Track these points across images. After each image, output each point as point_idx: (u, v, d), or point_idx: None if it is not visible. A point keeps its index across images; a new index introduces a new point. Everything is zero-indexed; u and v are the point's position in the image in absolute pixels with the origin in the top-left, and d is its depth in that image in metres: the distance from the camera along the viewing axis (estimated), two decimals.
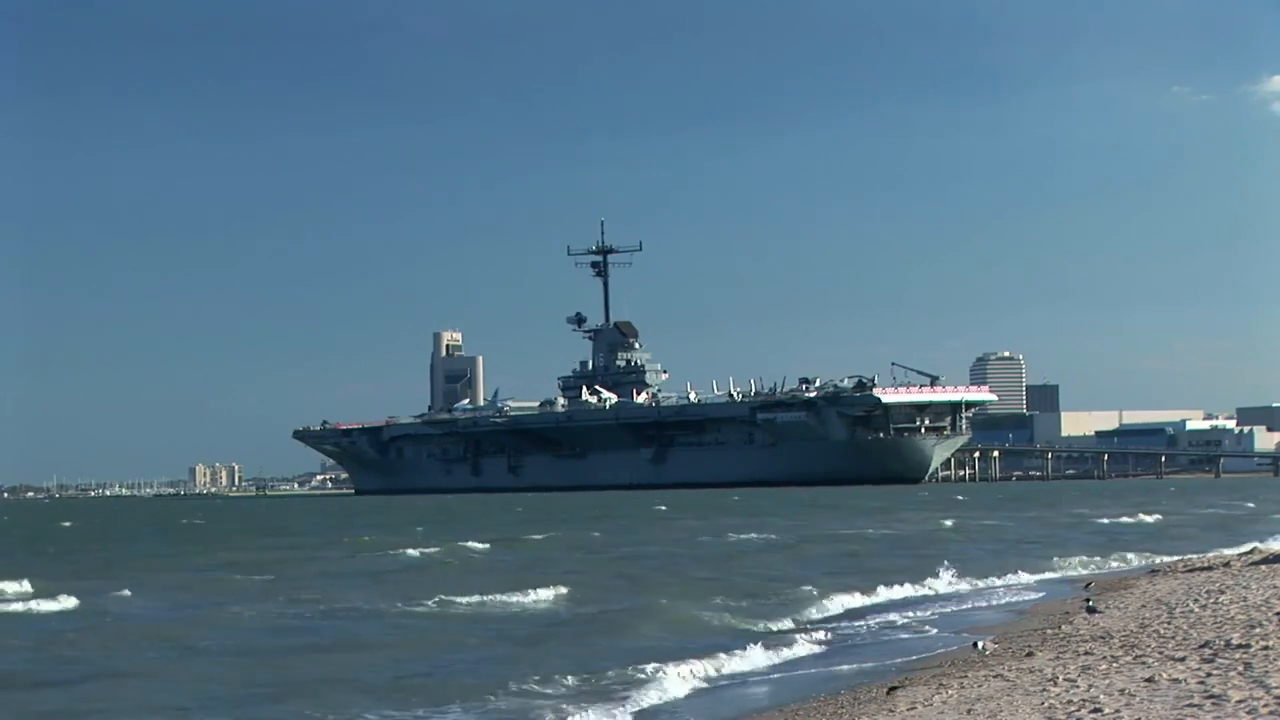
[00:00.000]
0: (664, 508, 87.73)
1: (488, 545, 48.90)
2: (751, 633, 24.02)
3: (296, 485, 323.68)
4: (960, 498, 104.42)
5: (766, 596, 29.78)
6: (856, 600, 28.82)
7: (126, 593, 32.00)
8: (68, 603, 29.85)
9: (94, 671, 20.57)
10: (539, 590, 30.31)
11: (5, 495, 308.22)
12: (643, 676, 19.05)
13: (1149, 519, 63.03)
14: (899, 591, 30.40)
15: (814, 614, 27.04)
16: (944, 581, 32.13)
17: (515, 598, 29.66)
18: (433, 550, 46.46)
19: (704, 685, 18.99)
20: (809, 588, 30.57)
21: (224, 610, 28.43)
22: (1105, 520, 63.03)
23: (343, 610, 28.20)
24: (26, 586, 33.25)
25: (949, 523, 60.54)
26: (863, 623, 25.45)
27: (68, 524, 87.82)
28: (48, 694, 18.79)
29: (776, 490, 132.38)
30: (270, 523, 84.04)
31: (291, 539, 60.42)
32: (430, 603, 29.03)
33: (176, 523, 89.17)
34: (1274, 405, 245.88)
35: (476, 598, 29.60)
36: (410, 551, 46.07)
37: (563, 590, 30.59)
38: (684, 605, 27.69)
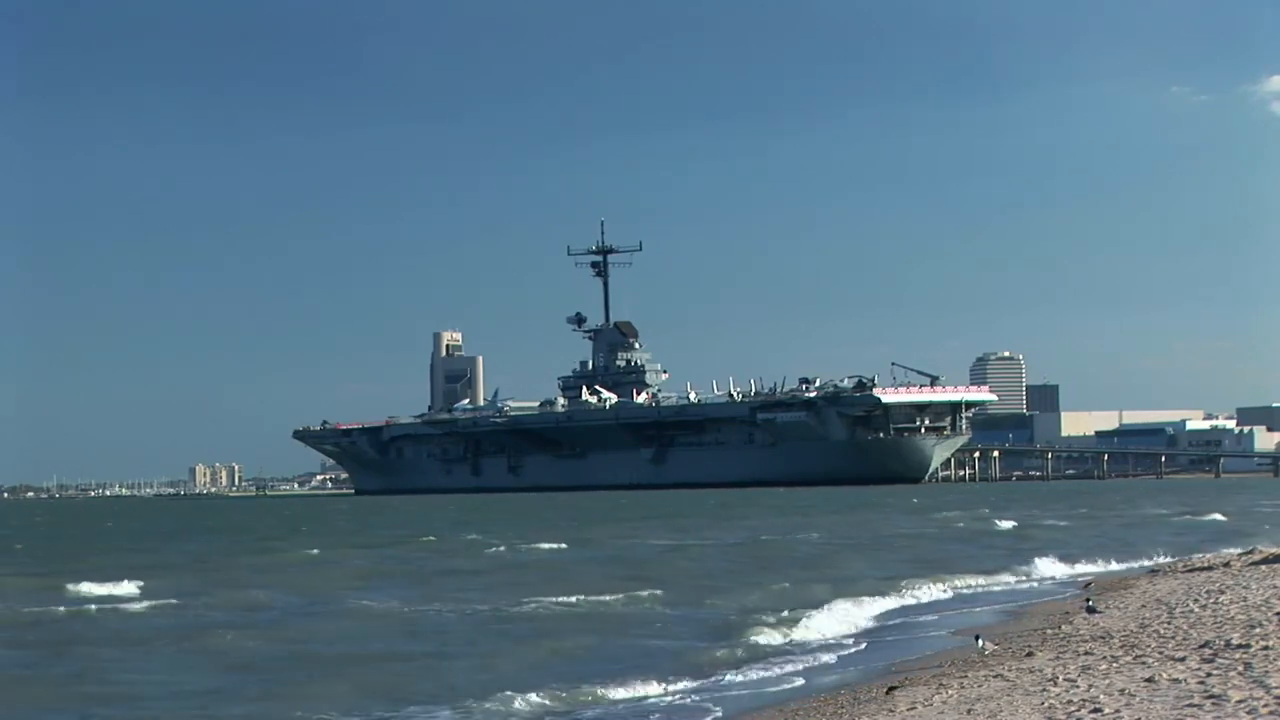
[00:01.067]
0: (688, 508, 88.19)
1: (564, 545, 49.71)
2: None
3: (296, 485, 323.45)
4: (964, 496, 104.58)
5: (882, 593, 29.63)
6: None
7: (260, 593, 32.28)
8: (223, 601, 30.77)
9: (387, 651, 22.36)
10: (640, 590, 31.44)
11: (5, 495, 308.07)
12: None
13: (1220, 517, 62.24)
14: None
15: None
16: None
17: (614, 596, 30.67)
18: (525, 548, 48.03)
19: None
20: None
21: (355, 603, 29.49)
22: (1177, 518, 63.57)
23: (484, 608, 28.69)
24: (132, 589, 33.55)
25: (1007, 524, 57.98)
26: None
27: (109, 524, 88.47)
28: (404, 666, 20.93)
29: (779, 490, 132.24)
30: (303, 520, 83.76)
31: (339, 535, 61.53)
32: (567, 599, 29.66)
33: (208, 521, 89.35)
34: (1274, 405, 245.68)
35: (621, 595, 30.66)
36: (498, 548, 47.59)
37: (657, 592, 31.22)
38: (803, 592, 29.92)
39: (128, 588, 33.20)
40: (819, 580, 32.70)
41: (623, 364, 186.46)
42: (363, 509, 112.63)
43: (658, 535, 56.44)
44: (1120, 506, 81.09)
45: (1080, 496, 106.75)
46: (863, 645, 22.82)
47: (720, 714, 16.96)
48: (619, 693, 18.26)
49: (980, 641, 19.64)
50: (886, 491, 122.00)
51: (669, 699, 18.01)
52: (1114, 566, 36.57)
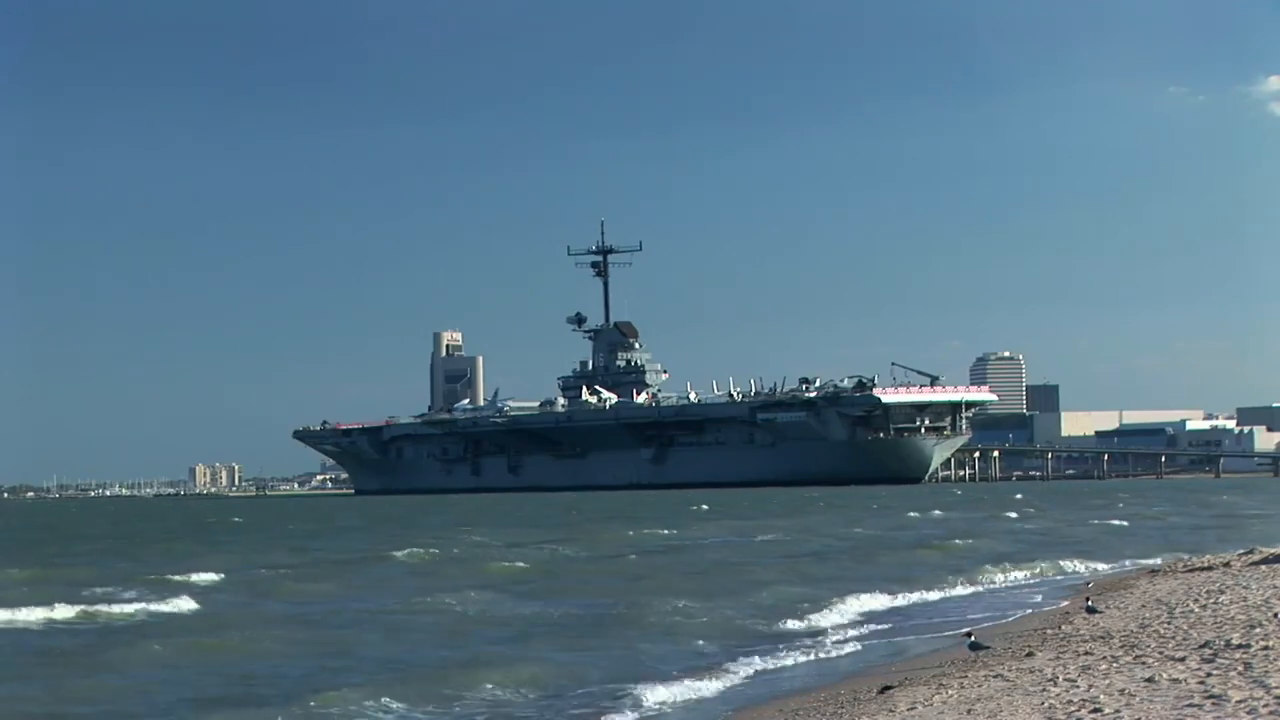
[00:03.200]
0: (706, 507, 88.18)
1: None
2: None
3: (296, 485, 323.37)
4: (1019, 496, 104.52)
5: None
6: None
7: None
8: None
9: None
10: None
11: (5, 495, 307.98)
12: None
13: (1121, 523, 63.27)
14: None
15: None
16: None
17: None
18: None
19: None
20: None
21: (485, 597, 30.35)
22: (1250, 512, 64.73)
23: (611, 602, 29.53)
24: (214, 576, 34.90)
25: (1122, 521, 60.68)
26: None
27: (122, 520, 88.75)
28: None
29: (781, 490, 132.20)
30: (342, 521, 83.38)
31: (402, 531, 62.03)
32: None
33: (230, 521, 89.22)
34: (1274, 405, 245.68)
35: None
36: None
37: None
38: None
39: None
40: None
41: (623, 364, 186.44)
42: (399, 507, 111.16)
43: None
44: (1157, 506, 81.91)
45: (1080, 496, 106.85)
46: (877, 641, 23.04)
47: (721, 713, 16.96)
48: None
49: (971, 636, 19.63)
50: (888, 491, 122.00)
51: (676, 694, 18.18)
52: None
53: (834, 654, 21.86)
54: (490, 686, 18.74)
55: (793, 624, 25.60)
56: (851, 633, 24.39)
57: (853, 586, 31.45)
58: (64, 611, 27.85)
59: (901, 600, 29.64)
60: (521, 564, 40.41)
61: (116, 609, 28.88)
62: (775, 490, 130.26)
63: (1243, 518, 64.06)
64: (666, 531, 57.81)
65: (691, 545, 50.25)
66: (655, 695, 17.87)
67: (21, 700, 18.27)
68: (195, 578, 36.04)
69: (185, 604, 29.63)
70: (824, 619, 26.20)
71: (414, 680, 19.01)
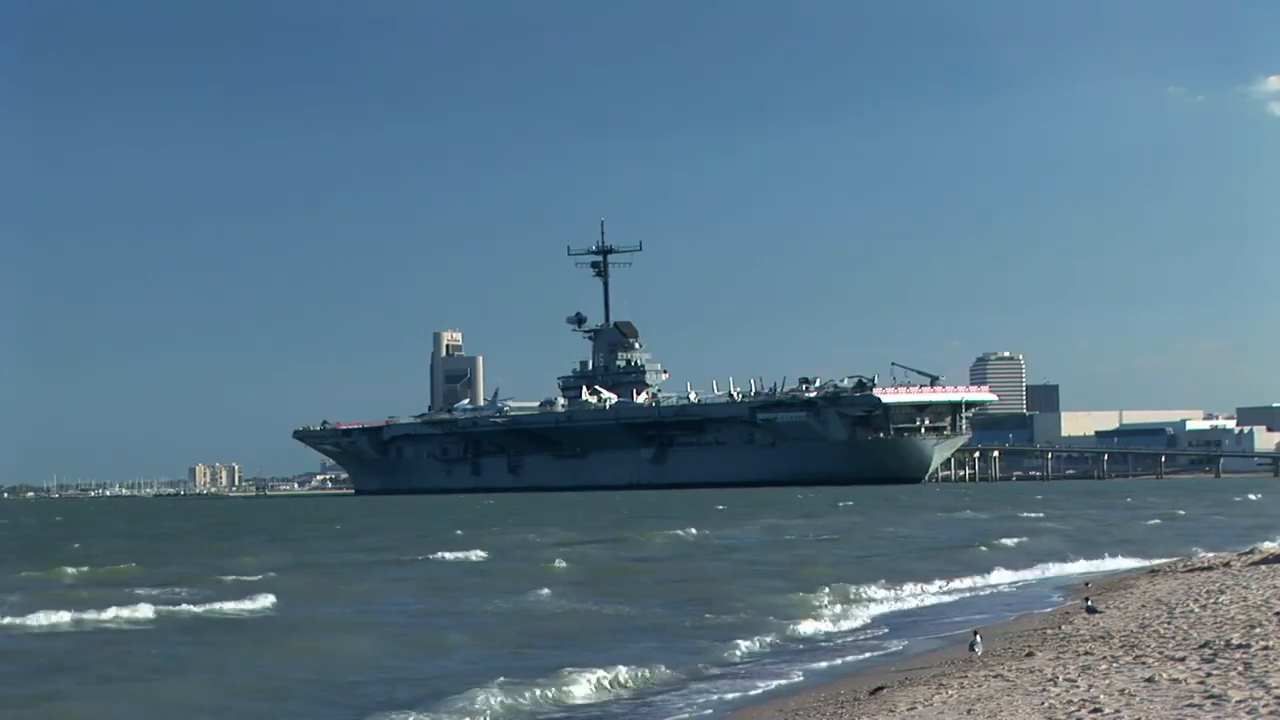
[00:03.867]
0: (723, 507, 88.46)
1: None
2: None
3: (296, 485, 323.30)
4: (1038, 497, 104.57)
5: None
6: None
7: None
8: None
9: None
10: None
11: (5, 495, 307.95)
12: None
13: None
14: None
15: None
16: None
17: None
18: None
19: None
20: None
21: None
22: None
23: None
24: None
25: (1157, 520, 62.36)
26: None
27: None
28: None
29: (783, 490, 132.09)
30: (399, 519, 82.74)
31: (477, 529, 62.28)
32: None
33: (270, 521, 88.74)
34: (1274, 405, 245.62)
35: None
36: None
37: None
38: None
39: None
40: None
41: (623, 364, 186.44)
42: (425, 507, 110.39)
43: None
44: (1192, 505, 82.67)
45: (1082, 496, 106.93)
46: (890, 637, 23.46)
47: (723, 712, 16.96)
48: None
49: (976, 636, 19.66)
50: (890, 491, 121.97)
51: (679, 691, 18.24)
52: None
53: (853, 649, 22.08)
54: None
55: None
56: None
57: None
58: (144, 611, 27.76)
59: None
60: (564, 564, 40.26)
61: (201, 608, 28.73)
62: (777, 491, 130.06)
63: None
64: (707, 531, 58.20)
65: (754, 544, 50.55)
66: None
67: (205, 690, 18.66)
68: (258, 577, 36.28)
69: (265, 600, 29.80)
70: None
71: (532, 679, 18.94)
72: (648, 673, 19.55)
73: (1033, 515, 69.31)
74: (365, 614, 28.11)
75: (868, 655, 21.42)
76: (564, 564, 39.83)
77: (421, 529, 67.29)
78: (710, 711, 17.11)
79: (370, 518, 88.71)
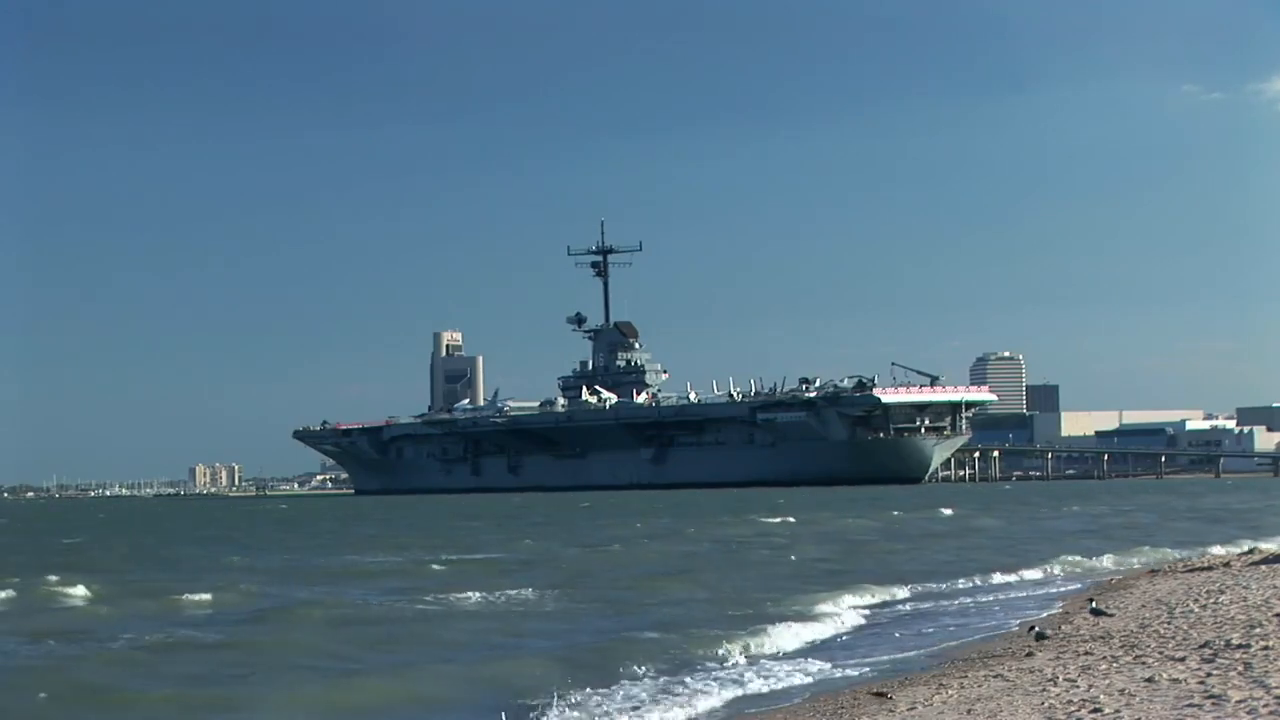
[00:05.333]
0: (783, 501, 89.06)
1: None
2: None
3: (296, 485, 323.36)
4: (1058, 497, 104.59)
5: None
6: None
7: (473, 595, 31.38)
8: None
9: None
10: None
11: (5, 495, 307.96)
12: None
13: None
14: None
15: None
16: None
17: None
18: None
19: None
20: None
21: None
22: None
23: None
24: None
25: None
26: None
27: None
28: None
29: (782, 490, 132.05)
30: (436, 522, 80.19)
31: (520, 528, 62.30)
32: None
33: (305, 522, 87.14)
34: (1274, 405, 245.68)
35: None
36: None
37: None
38: None
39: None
40: None
41: (623, 364, 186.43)
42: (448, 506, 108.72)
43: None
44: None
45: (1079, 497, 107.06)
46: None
47: (728, 710, 16.96)
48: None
49: (1034, 630, 20.10)
50: (890, 491, 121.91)
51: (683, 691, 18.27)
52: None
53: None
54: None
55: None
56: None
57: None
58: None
59: None
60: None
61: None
62: (780, 491, 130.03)
63: None
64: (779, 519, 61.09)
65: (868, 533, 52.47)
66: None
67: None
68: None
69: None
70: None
71: None
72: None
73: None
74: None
75: None
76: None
77: (518, 526, 65.97)
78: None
79: (466, 516, 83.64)
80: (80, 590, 30.43)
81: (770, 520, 64.07)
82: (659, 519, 70.34)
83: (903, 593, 29.76)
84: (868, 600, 28.37)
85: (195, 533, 69.10)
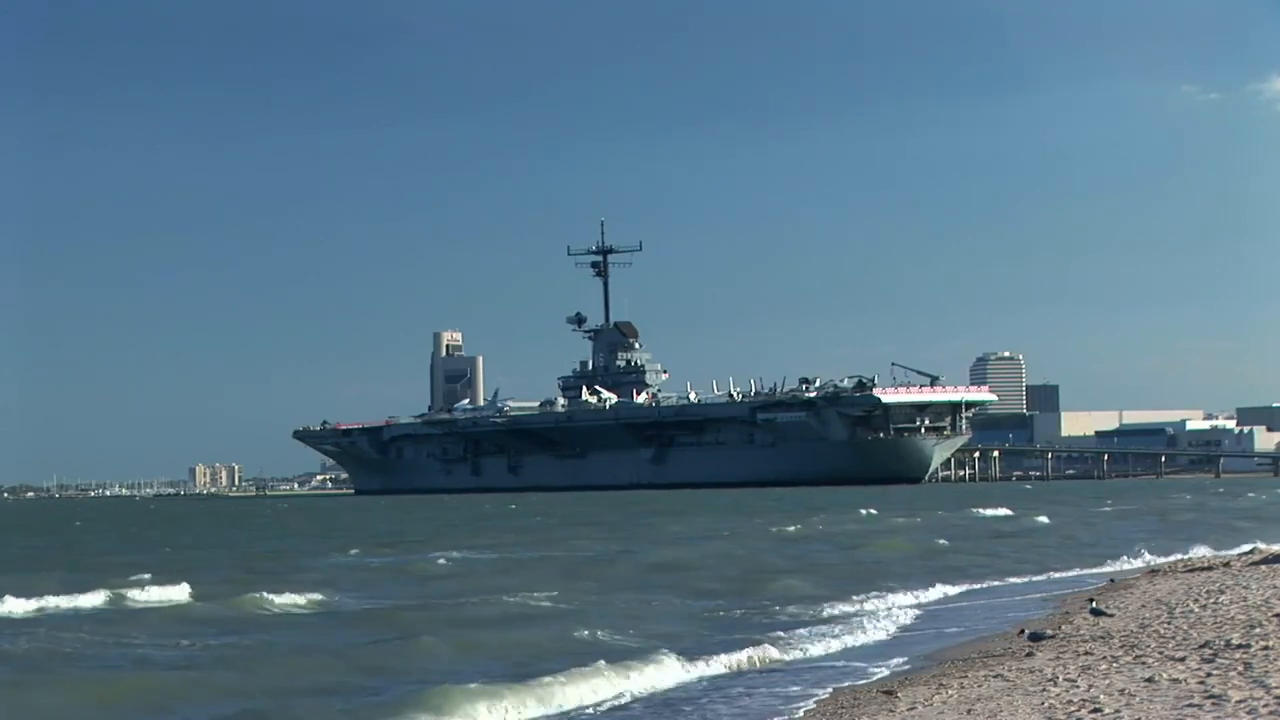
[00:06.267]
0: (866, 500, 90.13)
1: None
2: None
3: (296, 485, 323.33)
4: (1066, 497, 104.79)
5: None
6: None
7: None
8: None
9: None
10: None
11: (5, 495, 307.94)
12: None
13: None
14: None
15: None
16: None
17: None
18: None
19: None
20: None
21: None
22: None
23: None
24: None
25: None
26: None
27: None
28: None
29: (786, 490, 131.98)
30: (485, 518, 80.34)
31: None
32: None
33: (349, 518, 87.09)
34: (1274, 405, 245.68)
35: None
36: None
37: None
38: None
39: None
40: None
41: (623, 364, 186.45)
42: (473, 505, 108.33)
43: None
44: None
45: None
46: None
47: (731, 710, 16.97)
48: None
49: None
50: (891, 491, 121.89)
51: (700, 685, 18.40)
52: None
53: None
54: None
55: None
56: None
57: None
58: None
59: None
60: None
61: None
62: (781, 491, 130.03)
63: None
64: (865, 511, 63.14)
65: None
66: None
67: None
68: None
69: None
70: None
71: None
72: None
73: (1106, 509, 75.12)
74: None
75: None
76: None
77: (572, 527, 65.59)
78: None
79: (515, 516, 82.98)
80: (291, 596, 29.41)
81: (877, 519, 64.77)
82: (730, 516, 71.03)
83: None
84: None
85: (266, 531, 67.67)
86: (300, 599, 28.85)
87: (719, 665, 19.28)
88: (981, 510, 70.79)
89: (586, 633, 22.88)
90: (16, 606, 27.74)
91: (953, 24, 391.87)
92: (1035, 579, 33.28)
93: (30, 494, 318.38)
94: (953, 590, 30.20)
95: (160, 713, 16.76)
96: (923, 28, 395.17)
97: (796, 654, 20.42)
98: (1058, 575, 34.18)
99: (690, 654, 19.76)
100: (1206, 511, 70.45)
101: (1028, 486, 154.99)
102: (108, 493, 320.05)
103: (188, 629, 24.46)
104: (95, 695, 17.30)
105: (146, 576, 33.21)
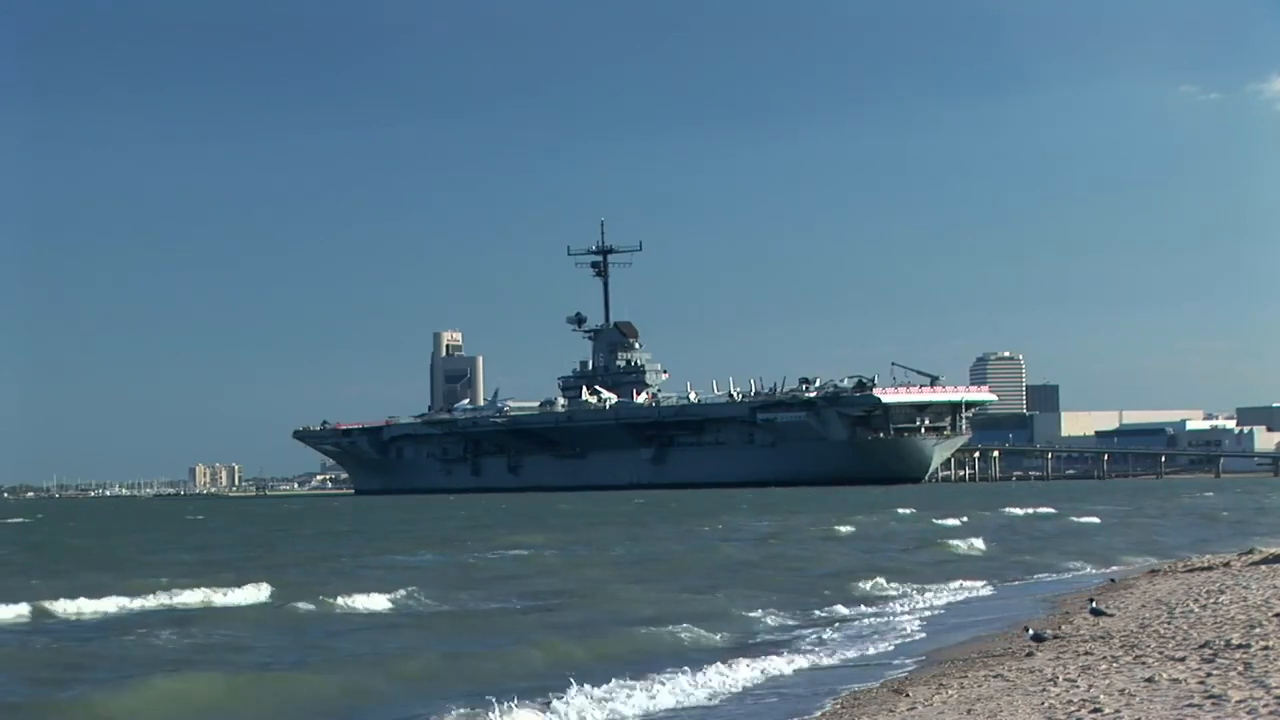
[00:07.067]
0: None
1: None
2: None
3: (296, 485, 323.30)
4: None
5: None
6: None
7: None
8: None
9: None
10: None
11: (6, 495, 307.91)
12: None
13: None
14: None
15: None
16: None
17: None
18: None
19: None
20: None
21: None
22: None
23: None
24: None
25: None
26: None
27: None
28: None
29: (787, 490, 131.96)
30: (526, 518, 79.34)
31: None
32: None
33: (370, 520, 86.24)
34: (1274, 405, 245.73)
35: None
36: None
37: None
38: None
39: None
40: None
41: (623, 364, 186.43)
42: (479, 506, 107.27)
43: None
44: None
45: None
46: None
47: (735, 709, 16.98)
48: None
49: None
50: (891, 491, 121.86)
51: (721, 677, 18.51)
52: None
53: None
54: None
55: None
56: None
57: None
58: None
59: None
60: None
61: None
62: (782, 491, 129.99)
63: None
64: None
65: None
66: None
67: None
68: None
69: None
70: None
71: None
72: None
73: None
74: None
75: None
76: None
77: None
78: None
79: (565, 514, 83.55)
80: (379, 599, 29.11)
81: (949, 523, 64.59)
82: (763, 516, 71.17)
83: None
84: None
85: (304, 533, 66.27)
86: (383, 599, 28.73)
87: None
88: (1016, 509, 71.04)
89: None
90: (120, 604, 28.21)
91: (953, 24, 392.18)
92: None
93: (30, 494, 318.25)
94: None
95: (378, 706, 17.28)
96: (923, 28, 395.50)
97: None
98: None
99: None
100: (1247, 511, 71.12)
101: (1033, 484, 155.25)
102: (107, 493, 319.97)
103: (290, 630, 24.62)
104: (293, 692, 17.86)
105: (230, 576, 33.30)
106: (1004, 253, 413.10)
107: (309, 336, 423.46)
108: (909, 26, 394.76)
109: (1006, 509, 72.30)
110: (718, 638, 22.85)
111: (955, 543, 44.96)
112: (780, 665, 19.48)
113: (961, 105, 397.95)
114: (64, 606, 27.63)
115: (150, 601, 28.90)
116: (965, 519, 62.95)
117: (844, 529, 55.96)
